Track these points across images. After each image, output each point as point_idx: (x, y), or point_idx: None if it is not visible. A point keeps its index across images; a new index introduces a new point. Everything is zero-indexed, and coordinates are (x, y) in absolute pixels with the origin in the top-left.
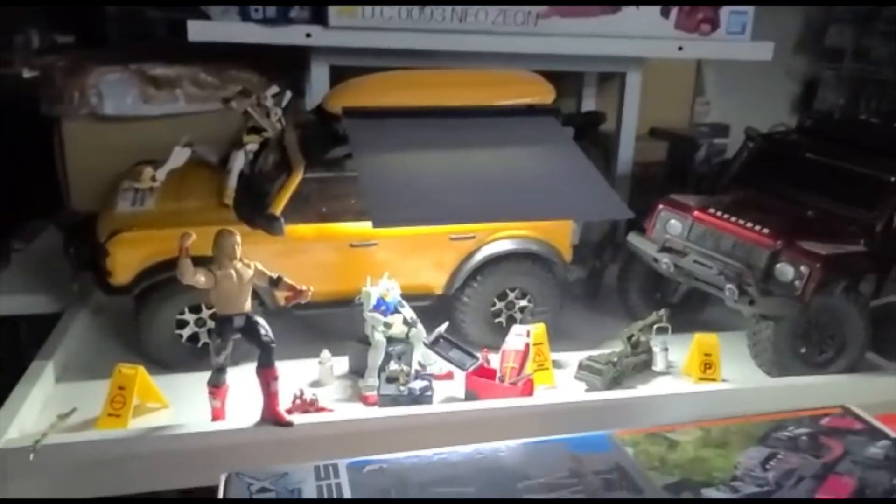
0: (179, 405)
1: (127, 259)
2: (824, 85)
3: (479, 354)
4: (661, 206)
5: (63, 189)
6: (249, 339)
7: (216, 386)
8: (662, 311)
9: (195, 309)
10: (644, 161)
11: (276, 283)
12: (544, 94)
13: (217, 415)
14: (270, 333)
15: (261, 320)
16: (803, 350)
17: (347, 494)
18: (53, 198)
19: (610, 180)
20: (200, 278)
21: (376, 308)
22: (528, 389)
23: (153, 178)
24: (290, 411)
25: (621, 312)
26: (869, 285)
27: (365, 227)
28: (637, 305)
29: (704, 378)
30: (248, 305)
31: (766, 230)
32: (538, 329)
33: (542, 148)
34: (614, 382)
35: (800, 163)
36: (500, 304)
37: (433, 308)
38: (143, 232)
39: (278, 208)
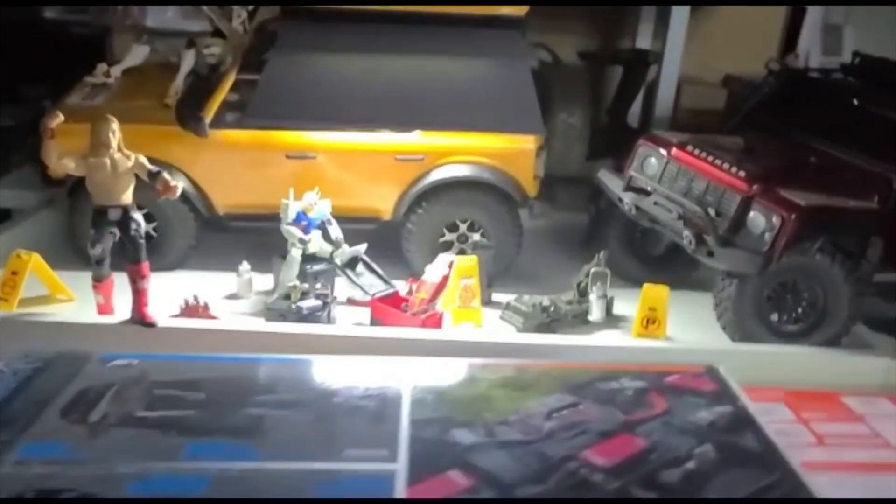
0: (89, 300)
1: (59, 151)
2: None
3: (393, 283)
4: (640, 142)
5: None
6: (123, 234)
7: (98, 280)
8: (601, 254)
9: None
10: (703, 108)
11: (154, 177)
12: (514, 7)
13: (102, 310)
14: (142, 229)
15: (137, 215)
16: (774, 316)
17: (80, 379)
18: None
19: (644, 123)
20: (68, 163)
21: (296, 222)
22: (434, 322)
23: (107, 74)
24: (179, 315)
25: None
26: (876, 251)
27: (302, 137)
28: (616, 254)
29: (644, 334)
30: (126, 198)
31: (741, 172)
32: (467, 262)
33: (483, 60)
34: (545, 328)
35: (827, 104)
36: (450, 236)
37: (382, 234)
38: (76, 125)
39: (210, 110)
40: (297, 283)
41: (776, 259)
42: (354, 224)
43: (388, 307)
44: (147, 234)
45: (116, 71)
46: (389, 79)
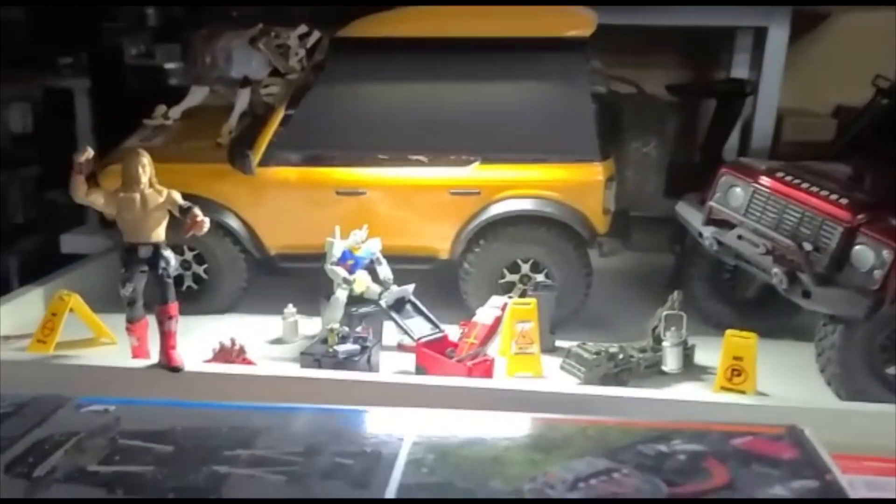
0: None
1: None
2: None
3: (443, 328)
4: (723, 170)
5: None
6: (151, 272)
7: (131, 322)
8: (675, 295)
9: (179, 250)
10: (809, 141)
11: (185, 212)
12: (579, 27)
13: (136, 353)
14: (171, 268)
15: (167, 253)
16: (891, 369)
17: (44, 427)
18: None
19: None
20: (97, 199)
21: (342, 262)
22: (482, 370)
23: (165, 116)
24: (211, 359)
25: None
26: None
27: (351, 173)
28: (701, 298)
29: (728, 387)
30: (157, 235)
31: (844, 200)
32: (524, 304)
33: (537, 84)
34: (612, 379)
35: None
36: (511, 277)
37: (441, 276)
38: None
39: (258, 148)
40: (337, 325)
41: (889, 300)
42: (410, 264)
43: (432, 353)
44: (197, 276)
45: (175, 112)
46: (438, 106)
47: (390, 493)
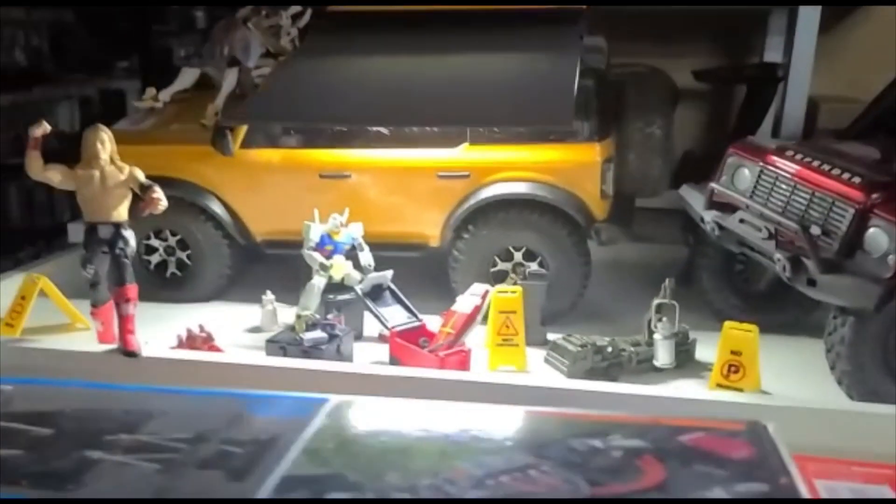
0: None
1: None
2: None
3: (421, 317)
4: (731, 151)
5: None
6: (109, 252)
7: (94, 305)
8: (667, 282)
9: (162, 236)
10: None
11: (146, 190)
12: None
13: (102, 338)
14: (129, 249)
15: (127, 234)
16: None
17: None
18: None
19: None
20: (53, 175)
21: (320, 247)
22: (456, 362)
23: (155, 98)
24: (177, 346)
25: (692, 300)
26: None
27: (336, 154)
28: (710, 290)
29: (725, 384)
30: (118, 214)
31: (857, 179)
32: (507, 293)
33: (529, 56)
34: (601, 374)
35: None
36: (503, 265)
37: (434, 266)
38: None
39: (240, 129)
40: (308, 312)
41: None
42: (398, 252)
43: (405, 343)
44: (181, 263)
45: (165, 95)
46: (423, 78)
47: (270, 485)
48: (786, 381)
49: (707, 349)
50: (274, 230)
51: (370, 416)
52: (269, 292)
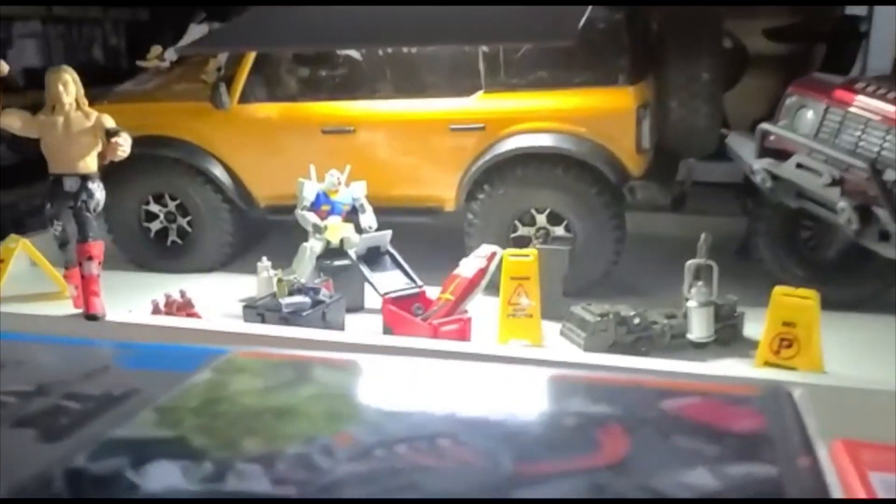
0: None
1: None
2: None
3: (420, 282)
4: (791, 90)
5: None
6: (72, 205)
7: (66, 268)
8: (703, 237)
9: (162, 200)
10: None
11: (112, 136)
12: None
13: (77, 302)
14: (92, 202)
15: (93, 186)
16: None
17: None
18: None
19: None
20: (13, 121)
21: (316, 207)
22: (455, 332)
23: (160, 57)
24: (152, 312)
25: (752, 277)
26: None
27: (338, 107)
28: (769, 259)
29: (774, 362)
30: (85, 165)
31: None
32: (520, 256)
33: None
34: (628, 348)
35: None
36: (524, 230)
37: (452, 231)
38: (111, 105)
39: (239, 80)
40: (292, 276)
41: None
42: (409, 216)
43: (398, 310)
44: (182, 230)
45: (171, 54)
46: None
47: (86, 448)
48: (858, 366)
49: (761, 326)
50: (276, 194)
51: (266, 371)
52: (264, 259)
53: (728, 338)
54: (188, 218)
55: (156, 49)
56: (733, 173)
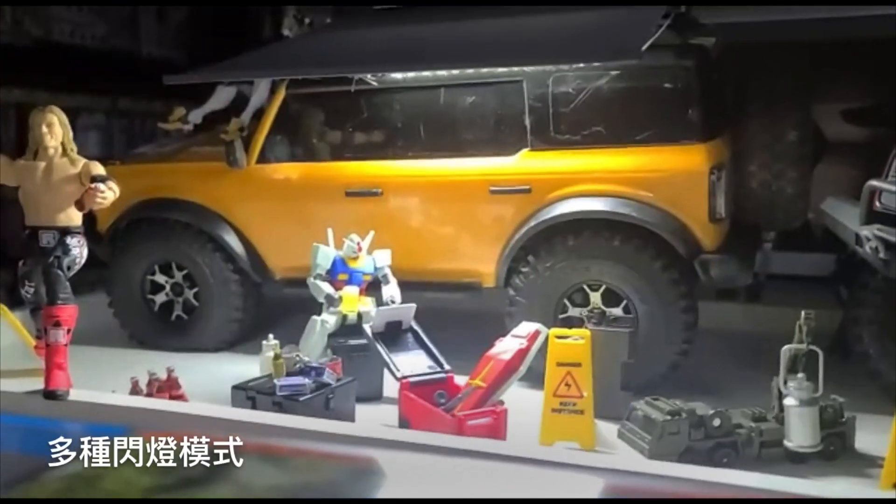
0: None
1: None
2: None
3: (447, 367)
4: None
5: None
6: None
7: (37, 337)
8: (803, 316)
9: (169, 270)
10: None
11: (99, 182)
12: None
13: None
14: (66, 258)
15: (72, 242)
16: None
17: None
18: None
19: None
20: None
21: (332, 275)
22: (488, 428)
23: (183, 119)
24: (131, 391)
25: (849, 376)
26: None
27: (363, 167)
28: (875, 356)
29: None
30: (67, 217)
31: None
32: (567, 339)
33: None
34: (703, 457)
35: None
36: (574, 311)
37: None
38: (121, 166)
39: (258, 140)
40: (293, 354)
41: None
42: (442, 292)
43: (416, 398)
44: (186, 302)
45: (196, 116)
46: (451, 28)
47: None
48: None
49: (872, 436)
50: (293, 264)
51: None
52: (271, 336)
53: (834, 449)
54: (195, 290)
55: (179, 111)
56: (819, 265)
